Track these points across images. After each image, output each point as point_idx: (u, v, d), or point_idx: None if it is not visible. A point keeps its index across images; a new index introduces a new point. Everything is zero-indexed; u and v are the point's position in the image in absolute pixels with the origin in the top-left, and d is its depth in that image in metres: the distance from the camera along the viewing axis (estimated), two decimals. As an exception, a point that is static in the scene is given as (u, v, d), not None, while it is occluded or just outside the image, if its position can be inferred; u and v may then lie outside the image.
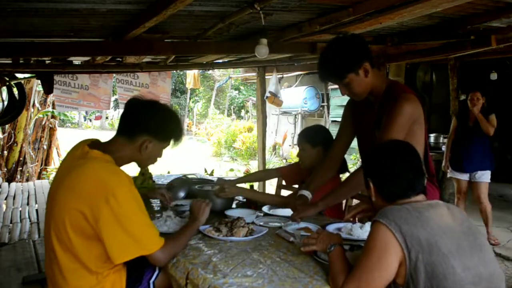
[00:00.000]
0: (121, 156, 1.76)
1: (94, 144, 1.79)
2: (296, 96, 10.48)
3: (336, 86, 9.82)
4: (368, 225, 2.04)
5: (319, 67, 2.05)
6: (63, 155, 7.74)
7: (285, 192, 3.09)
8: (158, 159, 1.91)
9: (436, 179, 2.15)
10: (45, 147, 8.67)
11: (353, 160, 7.88)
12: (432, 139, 7.02)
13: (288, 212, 2.46)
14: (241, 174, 9.33)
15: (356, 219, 2.16)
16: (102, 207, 1.57)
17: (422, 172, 1.56)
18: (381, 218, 1.41)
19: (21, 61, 4.99)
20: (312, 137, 2.75)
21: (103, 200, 1.57)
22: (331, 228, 2.13)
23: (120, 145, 1.77)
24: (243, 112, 24.12)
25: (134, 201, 1.64)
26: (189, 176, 3.13)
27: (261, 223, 2.29)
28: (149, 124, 1.78)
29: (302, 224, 2.19)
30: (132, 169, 2.33)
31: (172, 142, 1.89)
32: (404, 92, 1.97)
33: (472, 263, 1.38)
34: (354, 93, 2.03)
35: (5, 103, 5.85)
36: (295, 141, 11.72)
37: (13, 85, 5.80)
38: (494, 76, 7.46)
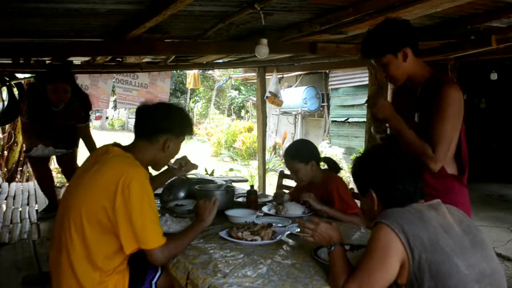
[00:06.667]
0: (143, 158, 1.87)
1: (116, 144, 1.92)
2: (296, 96, 10.47)
3: (336, 86, 9.78)
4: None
5: (363, 42, 2.08)
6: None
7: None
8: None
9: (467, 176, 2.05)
10: (45, 147, 8.65)
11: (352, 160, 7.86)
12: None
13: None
14: (241, 174, 9.33)
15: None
16: (118, 196, 1.65)
17: (420, 176, 1.58)
18: (383, 219, 1.42)
19: (21, 61, 4.99)
20: (302, 155, 2.64)
21: (120, 191, 1.65)
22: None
23: (141, 147, 1.91)
24: (243, 112, 24.11)
25: (145, 196, 1.70)
26: (189, 176, 3.12)
27: (262, 223, 2.29)
28: (167, 124, 1.93)
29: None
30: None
31: (186, 136, 2.04)
32: (452, 82, 1.97)
33: (475, 260, 1.39)
34: (390, 75, 2.03)
35: (5, 103, 5.84)
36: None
37: (13, 85, 5.79)
38: (494, 76, 7.46)
